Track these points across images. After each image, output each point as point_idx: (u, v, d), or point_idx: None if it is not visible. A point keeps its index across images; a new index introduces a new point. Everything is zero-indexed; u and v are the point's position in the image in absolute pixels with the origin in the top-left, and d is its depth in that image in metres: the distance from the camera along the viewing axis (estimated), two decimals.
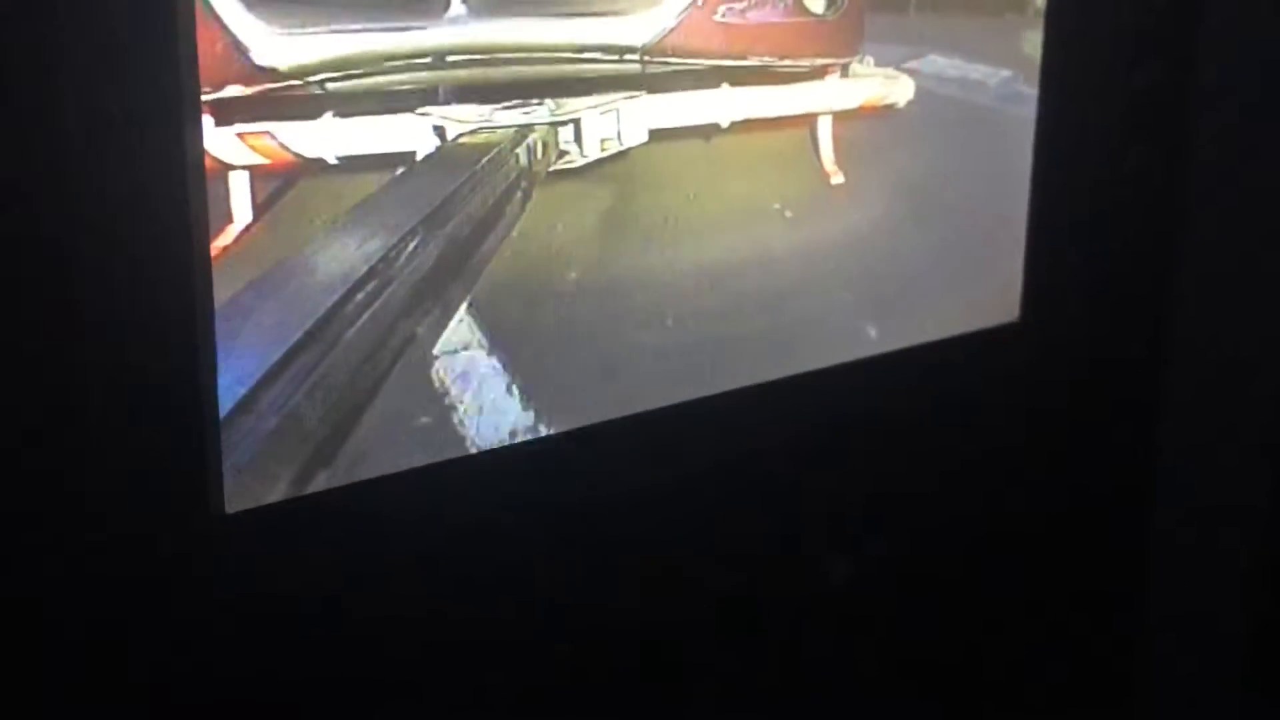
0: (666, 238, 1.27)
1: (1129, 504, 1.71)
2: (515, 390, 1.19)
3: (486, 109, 1.15)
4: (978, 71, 1.49)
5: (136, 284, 0.93)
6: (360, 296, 1.10)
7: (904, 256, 1.45)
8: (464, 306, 1.15)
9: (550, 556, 1.22)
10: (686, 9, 1.22)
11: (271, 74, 1.03)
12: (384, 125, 1.10)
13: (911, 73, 1.41)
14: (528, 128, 1.17)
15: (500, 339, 1.18)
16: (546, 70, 1.17)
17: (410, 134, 1.12)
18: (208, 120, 1.00)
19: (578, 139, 1.20)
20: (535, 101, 1.17)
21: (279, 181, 1.06)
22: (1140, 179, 1.60)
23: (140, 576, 0.96)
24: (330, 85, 1.06)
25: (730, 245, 1.32)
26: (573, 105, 1.19)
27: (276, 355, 1.06)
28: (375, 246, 1.11)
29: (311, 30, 1.04)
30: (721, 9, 1.25)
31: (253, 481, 1.04)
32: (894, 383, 1.43)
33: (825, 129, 1.36)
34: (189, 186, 0.95)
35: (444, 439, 1.16)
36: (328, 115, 1.07)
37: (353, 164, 1.09)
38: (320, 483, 1.09)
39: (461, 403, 1.16)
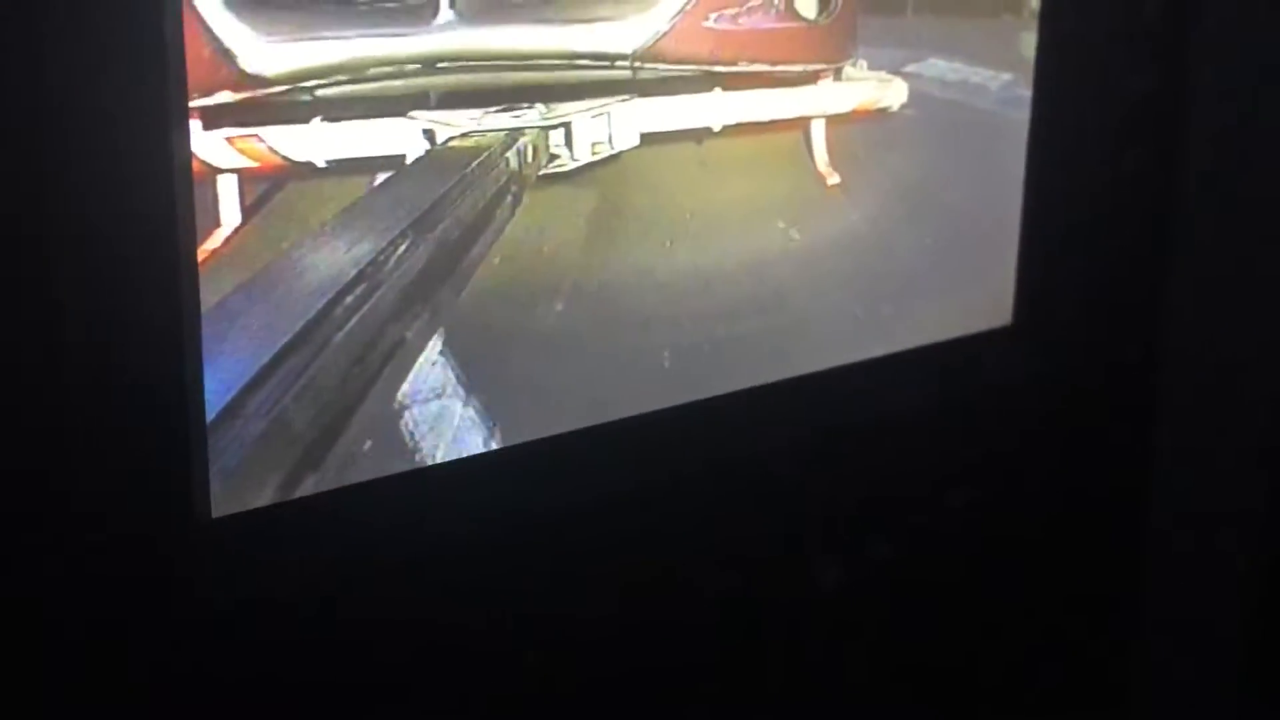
0: (658, 241, 1.27)
1: (1124, 507, 1.71)
2: (495, 443, 1.18)
3: (476, 113, 1.14)
4: (979, 75, 1.49)
5: (123, 287, 0.93)
6: (349, 300, 1.10)
7: (900, 259, 1.45)
8: (438, 347, 1.14)
9: (543, 561, 1.22)
10: (677, 15, 1.22)
11: (259, 80, 1.03)
12: (373, 129, 1.10)
13: (912, 77, 1.41)
14: (518, 131, 1.17)
15: (477, 375, 1.17)
16: (537, 76, 1.16)
17: (400, 138, 1.12)
18: (196, 124, 1.00)
19: (568, 142, 1.19)
20: (526, 105, 1.17)
21: (267, 185, 1.06)
22: (1135, 182, 1.59)
23: (126, 581, 0.96)
24: (319, 92, 1.06)
25: (723, 247, 1.31)
26: (563, 109, 1.19)
27: (264, 359, 1.05)
28: (364, 250, 1.11)
29: (299, 37, 1.04)
30: (713, 15, 1.24)
31: (240, 486, 1.04)
32: (887, 386, 1.43)
33: (819, 132, 1.36)
34: (176, 189, 0.95)
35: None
36: (316, 120, 1.07)
37: (342, 167, 1.09)
38: (308, 487, 1.09)
39: (433, 459, 1.15)
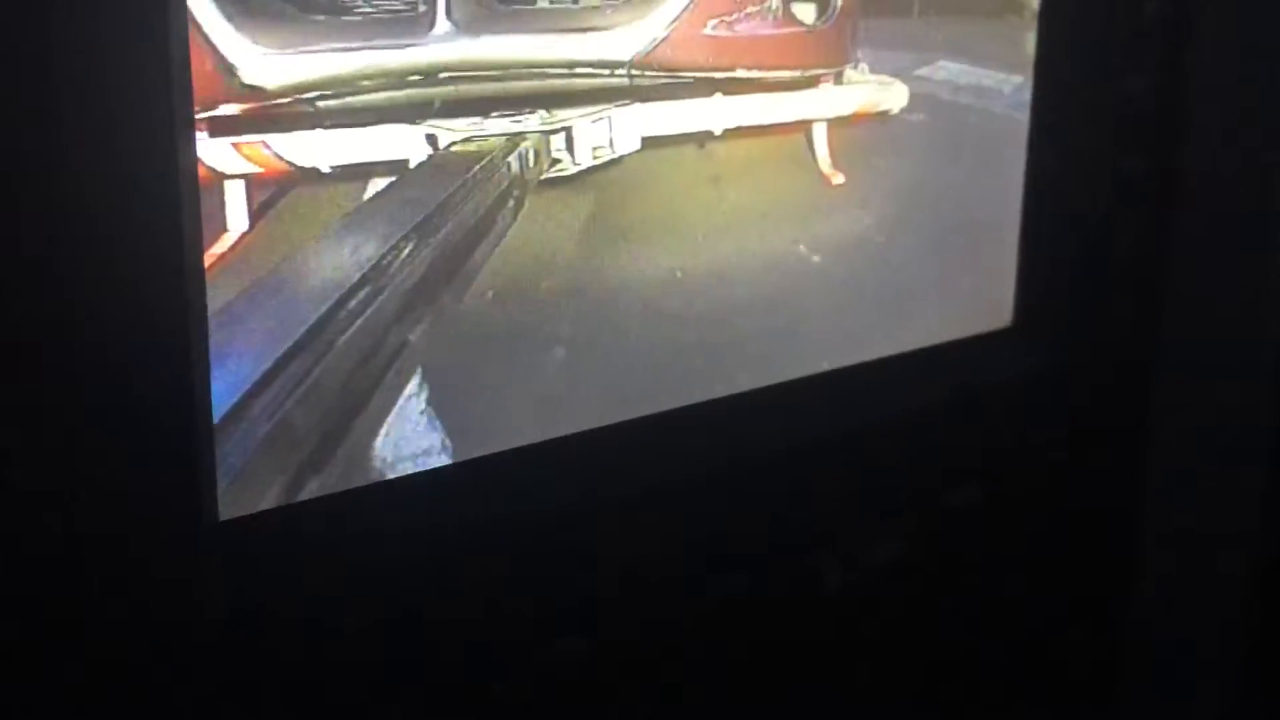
0: (659, 243, 1.28)
1: (1125, 507, 1.71)
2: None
3: (478, 118, 1.15)
4: (991, 78, 1.49)
5: (129, 292, 0.94)
6: (353, 303, 1.11)
7: (905, 260, 1.45)
8: (424, 404, 1.15)
9: (551, 562, 1.23)
10: (674, 22, 1.22)
11: (261, 93, 1.04)
12: (377, 135, 1.11)
13: (923, 80, 1.41)
14: (519, 136, 1.18)
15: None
16: (535, 85, 1.17)
17: (403, 143, 1.13)
18: (202, 131, 1.01)
19: (569, 147, 1.20)
20: (527, 110, 1.18)
21: (274, 189, 1.07)
22: (1136, 183, 1.60)
23: (133, 584, 0.97)
24: (321, 103, 1.07)
25: (726, 248, 1.32)
26: (564, 114, 1.20)
27: (269, 362, 1.07)
28: (368, 253, 1.12)
29: (299, 50, 1.05)
30: (710, 22, 1.25)
31: (245, 488, 1.05)
32: (888, 387, 1.43)
33: (820, 134, 1.36)
34: (181, 196, 0.95)
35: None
36: (320, 128, 1.08)
37: (347, 172, 1.10)
38: (313, 489, 1.10)
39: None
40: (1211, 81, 1.58)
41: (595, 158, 1.22)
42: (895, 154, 1.42)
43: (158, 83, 0.93)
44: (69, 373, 0.93)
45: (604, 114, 1.21)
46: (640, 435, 1.28)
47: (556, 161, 1.20)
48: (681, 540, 1.32)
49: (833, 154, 1.36)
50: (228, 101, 1.03)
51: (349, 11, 1.07)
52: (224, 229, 1.05)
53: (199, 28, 1.00)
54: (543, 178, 1.20)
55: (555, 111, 1.19)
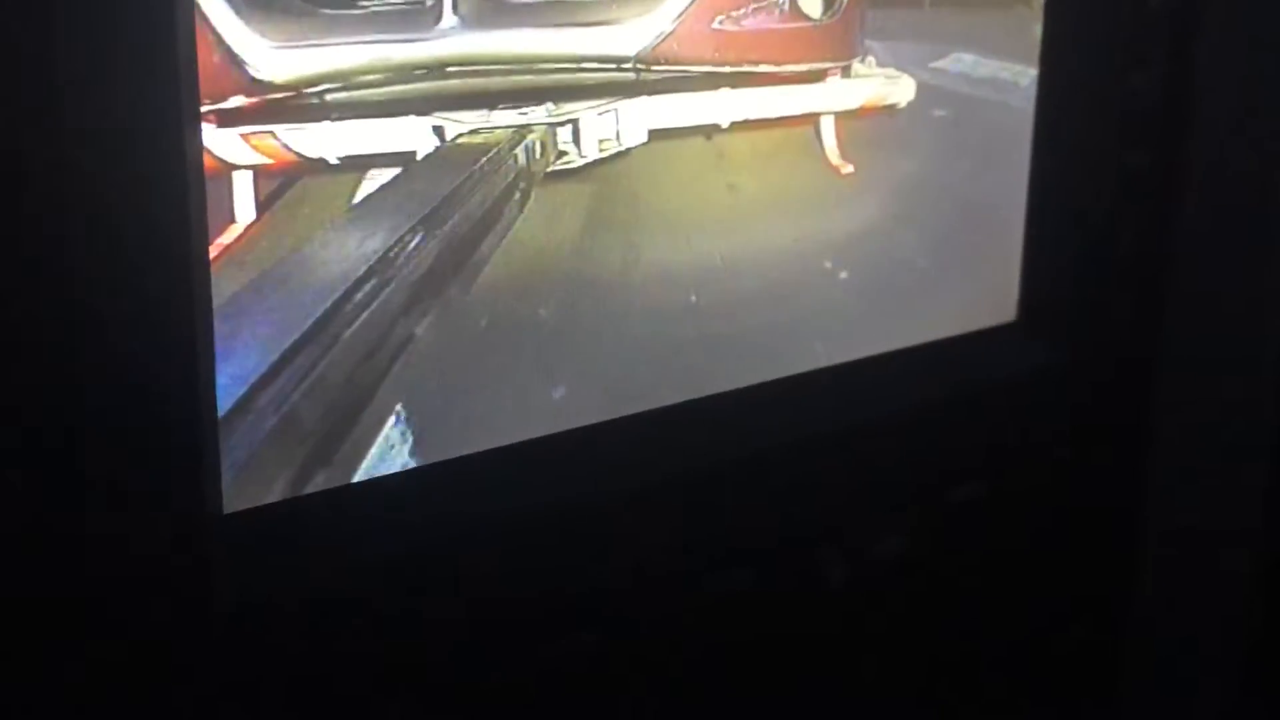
0: (665, 236, 1.28)
1: (1129, 504, 1.71)
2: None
3: (485, 110, 1.15)
4: (1008, 70, 1.49)
5: (134, 283, 0.94)
6: (359, 296, 1.11)
7: (912, 255, 1.45)
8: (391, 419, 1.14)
9: (553, 557, 1.23)
10: (680, 17, 1.22)
11: (268, 86, 1.04)
12: (384, 127, 1.11)
13: (939, 73, 1.41)
14: (526, 128, 1.18)
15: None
16: (541, 79, 1.17)
17: (410, 135, 1.13)
18: (210, 123, 1.01)
19: (576, 139, 1.20)
20: (533, 103, 1.18)
21: (281, 180, 1.07)
22: (1140, 179, 1.60)
23: (136, 577, 0.96)
24: (329, 96, 1.07)
25: (731, 241, 1.32)
26: (571, 106, 1.19)
27: (275, 354, 1.06)
28: (374, 245, 1.12)
29: (306, 44, 1.05)
30: (718, 18, 1.25)
31: (251, 481, 1.05)
32: (891, 382, 1.43)
33: (829, 125, 1.36)
34: (188, 185, 0.95)
35: None
36: (328, 119, 1.08)
37: (354, 163, 1.10)
38: (319, 483, 1.10)
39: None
40: (1217, 76, 1.58)
41: (602, 150, 1.22)
42: (907, 145, 1.42)
43: (165, 76, 0.92)
44: (72, 364, 0.92)
45: (610, 107, 1.21)
46: (644, 430, 1.28)
47: (563, 154, 1.20)
48: (685, 535, 1.32)
49: (841, 144, 1.36)
50: (236, 95, 1.03)
51: (357, 6, 1.07)
52: (231, 220, 1.05)
53: (207, 21, 1.00)
54: (549, 170, 1.20)
55: (562, 104, 1.19)
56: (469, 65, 1.13)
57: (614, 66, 1.21)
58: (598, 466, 1.24)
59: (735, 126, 1.29)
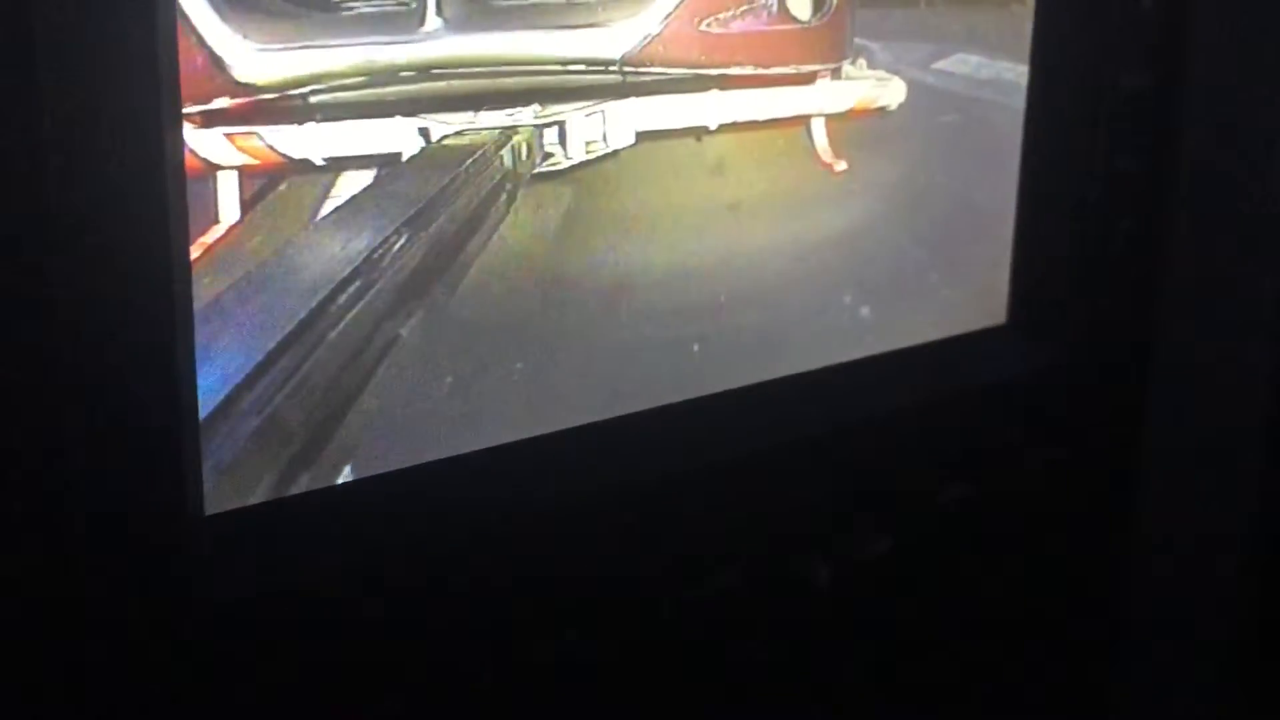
0: (652, 236, 1.27)
1: (1121, 505, 1.71)
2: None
3: (470, 112, 1.15)
4: (1011, 71, 1.49)
5: (114, 284, 0.93)
6: (344, 297, 1.11)
7: (901, 258, 1.45)
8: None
9: (541, 559, 1.22)
10: (667, 19, 1.22)
11: (251, 88, 1.04)
12: (370, 128, 1.11)
13: (945, 74, 1.40)
14: (512, 130, 1.17)
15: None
16: (526, 81, 1.17)
17: (396, 136, 1.12)
18: (194, 124, 1.01)
19: (563, 141, 1.20)
20: (520, 104, 1.17)
21: (265, 180, 1.07)
22: (1131, 179, 1.59)
23: (118, 579, 0.96)
24: (313, 98, 1.07)
25: (721, 241, 1.32)
26: (557, 108, 1.19)
27: (259, 356, 1.06)
28: (359, 246, 1.12)
29: (290, 45, 1.05)
30: (705, 20, 1.25)
31: (233, 483, 1.05)
32: (881, 384, 1.43)
33: (819, 124, 1.36)
34: (168, 186, 0.95)
35: None
36: (313, 121, 1.08)
37: (340, 164, 1.10)
38: (303, 484, 1.09)
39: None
40: (1209, 78, 1.58)
41: (588, 152, 1.22)
42: (907, 145, 1.42)
43: (145, 77, 0.92)
44: (51, 365, 0.92)
45: (598, 109, 1.21)
46: (631, 431, 1.28)
47: (549, 155, 1.20)
48: (672, 538, 1.32)
49: (832, 142, 1.36)
50: (219, 97, 1.03)
51: (340, 8, 1.07)
52: (215, 220, 1.05)
53: (189, 23, 1.00)
54: (535, 171, 1.20)
55: (549, 106, 1.19)
56: (454, 68, 1.13)
57: (600, 69, 1.20)
58: (584, 468, 1.24)
59: (725, 128, 1.29)
